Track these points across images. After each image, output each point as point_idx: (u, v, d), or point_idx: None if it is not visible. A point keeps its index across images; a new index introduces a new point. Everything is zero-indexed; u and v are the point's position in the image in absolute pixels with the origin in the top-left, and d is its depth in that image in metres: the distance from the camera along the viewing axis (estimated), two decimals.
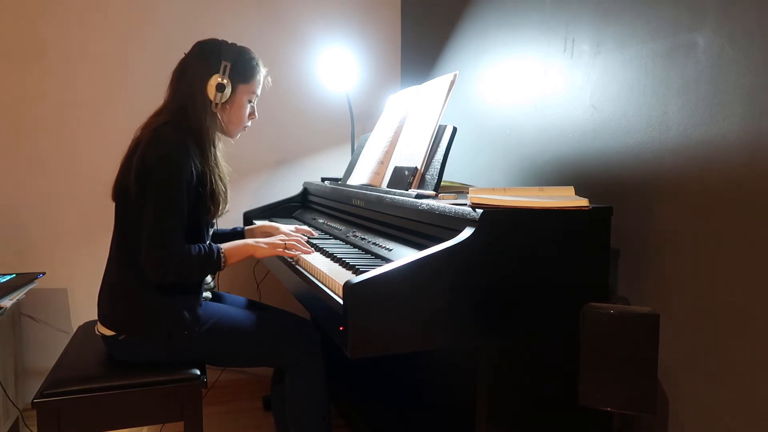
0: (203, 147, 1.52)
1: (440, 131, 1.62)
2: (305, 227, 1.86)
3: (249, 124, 1.69)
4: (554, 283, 1.26)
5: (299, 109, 2.66)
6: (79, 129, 2.35)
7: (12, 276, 2.10)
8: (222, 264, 1.51)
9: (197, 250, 1.47)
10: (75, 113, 2.35)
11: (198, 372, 1.51)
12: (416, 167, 1.63)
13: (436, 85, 1.74)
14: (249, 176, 2.62)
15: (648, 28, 1.34)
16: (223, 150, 1.62)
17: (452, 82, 1.66)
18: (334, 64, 2.47)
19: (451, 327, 1.18)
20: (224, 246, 1.54)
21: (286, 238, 1.65)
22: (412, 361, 2.15)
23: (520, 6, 1.84)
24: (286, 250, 1.59)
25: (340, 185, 2.09)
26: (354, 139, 2.51)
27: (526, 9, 1.81)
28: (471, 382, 1.29)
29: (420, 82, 1.92)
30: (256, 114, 1.70)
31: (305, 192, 2.48)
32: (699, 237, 1.23)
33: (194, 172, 1.46)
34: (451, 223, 1.28)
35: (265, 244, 1.60)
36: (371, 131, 2.13)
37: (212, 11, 2.49)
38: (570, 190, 1.37)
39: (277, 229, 1.83)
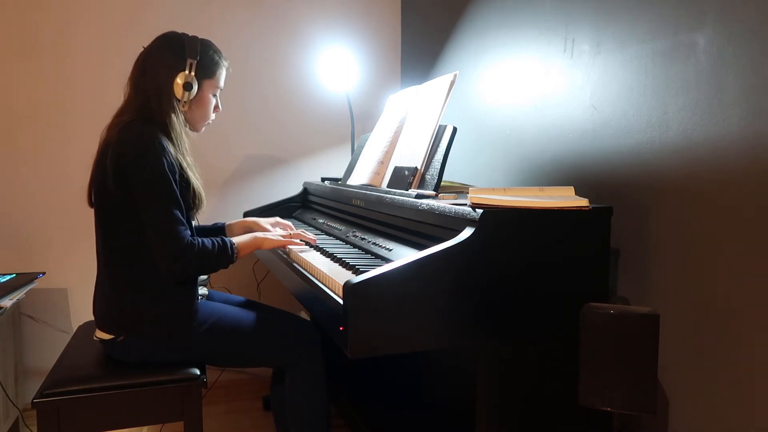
0: (173, 141, 1.50)
1: (440, 131, 1.62)
2: (286, 221, 1.86)
3: (214, 117, 1.69)
4: (554, 283, 1.26)
5: (299, 109, 2.66)
6: (78, 127, 2.35)
7: (12, 276, 2.10)
8: (235, 257, 1.53)
9: (212, 243, 1.48)
10: (73, 112, 2.35)
11: (198, 372, 1.51)
12: (416, 167, 1.63)
13: (436, 85, 1.74)
14: (249, 176, 2.62)
15: (648, 28, 1.34)
16: (189, 148, 1.59)
17: (452, 82, 1.66)
18: (334, 64, 2.47)
19: (451, 327, 1.18)
20: (234, 239, 1.56)
21: (289, 232, 1.75)
22: (412, 362, 2.15)
23: (520, 6, 1.84)
24: (291, 239, 1.67)
25: (340, 185, 2.09)
26: (354, 139, 2.51)
27: (526, 9, 1.81)
28: (471, 382, 1.29)
29: (420, 82, 1.92)
30: (221, 107, 1.70)
31: (305, 192, 2.48)
32: (699, 237, 1.23)
33: (174, 164, 1.45)
34: (451, 223, 1.28)
35: (273, 235, 1.67)
36: (371, 131, 2.13)
37: (211, 10, 2.49)
38: (570, 190, 1.37)
39: (257, 223, 1.83)
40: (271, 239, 1.64)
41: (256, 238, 1.62)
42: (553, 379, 1.28)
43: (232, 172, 2.59)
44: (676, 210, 1.28)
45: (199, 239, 1.46)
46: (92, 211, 1.55)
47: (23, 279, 2.06)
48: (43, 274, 2.18)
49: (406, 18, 2.77)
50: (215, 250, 1.48)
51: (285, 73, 2.62)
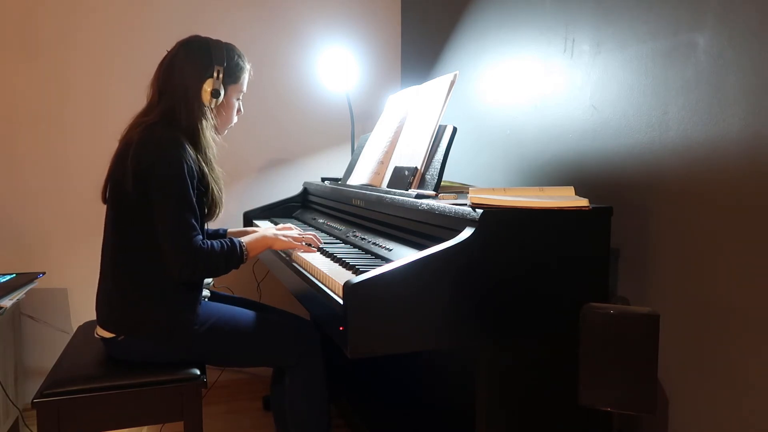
0: (198, 147, 1.51)
1: (440, 131, 1.62)
2: (287, 225, 1.86)
3: (236, 119, 1.70)
4: (554, 283, 1.26)
5: (299, 109, 2.66)
6: (79, 127, 2.35)
7: (12, 276, 2.10)
8: (245, 258, 1.52)
9: (220, 245, 1.47)
10: (73, 111, 2.35)
11: (198, 372, 1.51)
12: (416, 167, 1.63)
13: (436, 85, 1.74)
14: (249, 176, 2.62)
15: (648, 28, 1.34)
16: (217, 153, 1.60)
17: (452, 82, 1.66)
18: (334, 64, 2.47)
19: (451, 327, 1.18)
20: (244, 240, 1.55)
21: (302, 232, 1.70)
22: (412, 362, 2.15)
23: (520, 6, 1.84)
24: (304, 243, 1.63)
25: (340, 185, 2.09)
26: (354, 139, 2.51)
27: (526, 9, 1.81)
28: (471, 382, 1.29)
29: (420, 82, 1.92)
30: (242, 110, 1.71)
31: (305, 192, 2.48)
32: (699, 237, 1.23)
33: (193, 168, 1.46)
34: (451, 223, 1.28)
35: (284, 236, 1.63)
36: (371, 131, 2.13)
37: (211, 10, 2.49)
38: (570, 190, 1.37)
39: (256, 231, 1.81)
40: (282, 240, 1.61)
41: (265, 238, 1.60)
42: (553, 379, 1.28)
43: (232, 172, 2.59)
44: (676, 210, 1.28)
45: (209, 242, 1.46)
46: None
47: (23, 279, 2.06)
48: (43, 274, 2.18)
49: (406, 18, 2.77)
50: (225, 253, 1.47)
51: (285, 73, 2.62)
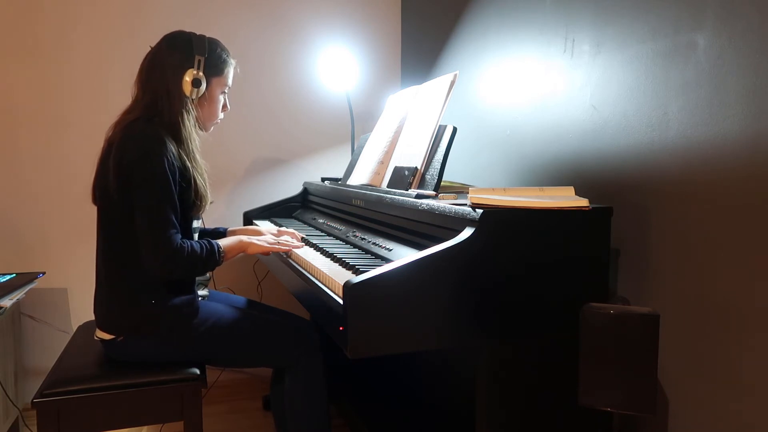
0: (180, 141, 1.50)
1: (440, 131, 1.62)
2: (290, 230, 1.85)
3: (222, 116, 1.69)
4: (554, 283, 1.26)
5: (299, 109, 2.66)
6: (79, 127, 2.35)
7: (12, 276, 2.10)
8: (221, 260, 1.52)
9: (199, 246, 1.48)
10: (73, 112, 2.35)
11: (198, 372, 1.51)
12: (416, 167, 1.63)
13: (436, 85, 1.74)
14: (249, 176, 2.62)
15: (648, 28, 1.34)
16: (199, 147, 1.59)
17: (452, 82, 1.66)
18: (334, 64, 2.47)
19: (451, 327, 1.18)
20: (221, 242, 1.55)
21: (276, 235, 1.71)
22: (412, 361, 2.15)
23: (520, 6, 1.84)
24: (278, 246, 1.63)
25: (340, 185, 2.09)
26: (354, 139, 2.51)
27: (526, 9, 1.81)
28: (471, 382, 1.29)
29: (420, 82, 1.92)
30: (229, 106, 1.70)
31: (305, 192, 2.48)
32: (699, 237, 1.23)
33: (174, 164, 1.45)
34: (451, 223, 1.28)
35: (258, 240, 1.63)
36: (371, 131, 2.13)
37: (210, 10, 2.49)
38: (570, 190, 1.37)
39: (258, 231, 1.82)
40: (256, 244, 1.61)
41: (241, 242, 1.60)
42: (553, 379, 1.29)
43: (232, 172, 2.59)
44: (676, 210, 1.28)
45: (189, 243, 1.45)
46: (92, 210, 1.55)
47: (23, 279, 2.06)
48: (43, 274, 2.18)
49: (406, 18, 2.77)
50: (203, 255, 1.47)
51: (285, 73, 2.62)
